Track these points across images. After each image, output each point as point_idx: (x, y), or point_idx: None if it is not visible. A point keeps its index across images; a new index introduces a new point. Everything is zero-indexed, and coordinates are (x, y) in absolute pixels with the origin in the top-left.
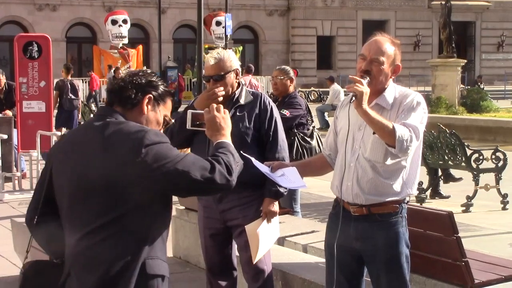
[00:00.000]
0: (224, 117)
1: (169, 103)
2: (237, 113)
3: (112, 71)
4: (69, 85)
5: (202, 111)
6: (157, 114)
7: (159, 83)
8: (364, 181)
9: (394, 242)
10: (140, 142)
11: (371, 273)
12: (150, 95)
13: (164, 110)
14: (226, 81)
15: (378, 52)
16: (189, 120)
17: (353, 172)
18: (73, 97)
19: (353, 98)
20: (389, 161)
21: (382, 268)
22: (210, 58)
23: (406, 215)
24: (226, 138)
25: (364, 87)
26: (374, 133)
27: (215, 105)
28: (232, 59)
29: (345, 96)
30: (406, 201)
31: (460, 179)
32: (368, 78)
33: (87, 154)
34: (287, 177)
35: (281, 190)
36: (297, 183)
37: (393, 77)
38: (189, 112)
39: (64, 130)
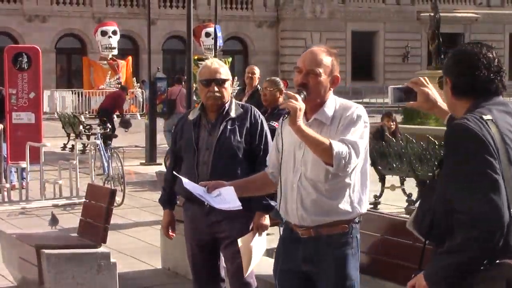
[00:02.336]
0: (432, 89)
1: None
2: (228, 126)
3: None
4: None
5: (402, 86)
6: None
7: None
8: (307, 202)
9: (343, 264)
10: None
11: None
12: None
13: None
14: (226, 87)
15: (314, 63)
16: (392, 95)
17: (296, 193)
18: None
19: (286, 116)
20: (330, 180)
21: None
22: (212, 61)
23: (358, 236)
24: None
25: (299, 103)
26: None
27: (421, 78)
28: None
29: None
30: (357, 221)
31: None
32: (304, 93)
33: None
34: (223, 197)
35: (272, 203)
36: (231, 204)
37: (332, 89)
38: (391, 88)
39: None
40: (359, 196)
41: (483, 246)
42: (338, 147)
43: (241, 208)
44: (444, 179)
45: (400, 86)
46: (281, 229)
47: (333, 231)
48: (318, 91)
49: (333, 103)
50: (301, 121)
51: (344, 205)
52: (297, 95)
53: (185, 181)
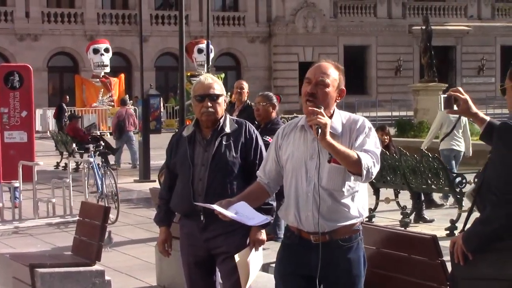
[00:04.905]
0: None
1: None
2: (223, 142)
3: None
4: None
5: (447, 95)
6: None
7: None
8: (324, 209)
9: (357, 266)
10: None
11: None
12: None
13: None
14: (220, 102)
15: (323, 75)
16: (442, 103)
17: (312, 201)
18: None
19: (319, 130)
20: (346, 188)
21: None
22: (206, 77)
23: (363, 236)
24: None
25: (326, 118)
26: (329, 161)
27: (459, 88)
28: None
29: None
30: (361, 223)
31: (442, 205)
32: (322, 107)
33: None
34: (242, 214)
35: (268, 218)
36: (257, 219)
37: (337, 101)
38: (442, 96)
39: None
40: (363, 201)
41: (505, 224)
42: (365, 158)
43: (268, 220)
44: (491, 163)
45: (446, 95)
46: (277, 243)
47: (346, 235)
48: (326, 101)
49: (338, 115)
50: (328, 135)
51: (354, 210)
52: (321, 110)
53: (217, 208)
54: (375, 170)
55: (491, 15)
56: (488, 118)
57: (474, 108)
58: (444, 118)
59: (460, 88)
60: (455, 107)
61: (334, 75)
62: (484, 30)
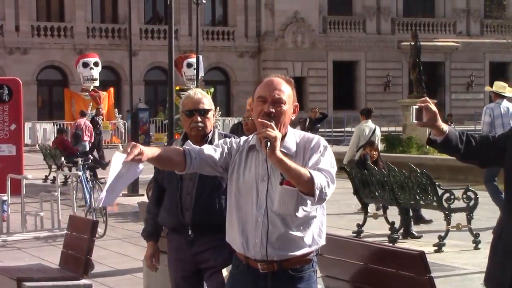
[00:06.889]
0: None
1: None
2: None
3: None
4: None
5: (418, 106)
6: None
7: None
8: (274, 237)
9: None
10: None
11: None
12: None
13: None
14: (209, 117)
15: (279, 92)
16: (413, 114)
17: (261, 227)
18: None
19: (268, 144)
20: (300, 213)
21: None
22: (195, 92)
23: (317, 268)
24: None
25: (276, 132)
26: (281, 184)
27: (427, 98)
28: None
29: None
30: (316, 253)
31: (430, 221)
32: (273, 122)
33: None
34: (126, 174)
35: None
36: (108, 199)
37: (292, 118)
38: (413, 107)
39: None
40: (320, 228)
41: None
42: (318, 177)
43: (112, 204)
44: None
45: (417, 106)
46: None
47: (297, 265)
48: (283, 120)
49: (292, 134)
50: (279, 151)
51: (308, 238)
52: (272, 124)
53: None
54: (330, 190)
55: (480, 31)
56: (447, 131)
57: (439, 121)
58: (360, 132)
59: (428, 99)
60: (424, 119)
61: (288, 91)
62: (473, 46)
